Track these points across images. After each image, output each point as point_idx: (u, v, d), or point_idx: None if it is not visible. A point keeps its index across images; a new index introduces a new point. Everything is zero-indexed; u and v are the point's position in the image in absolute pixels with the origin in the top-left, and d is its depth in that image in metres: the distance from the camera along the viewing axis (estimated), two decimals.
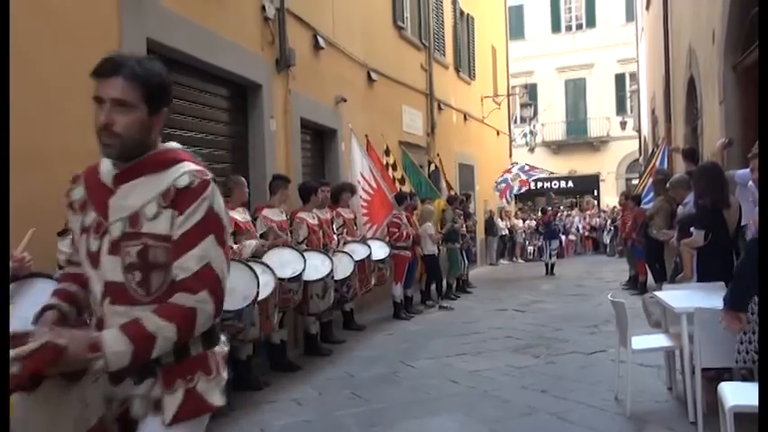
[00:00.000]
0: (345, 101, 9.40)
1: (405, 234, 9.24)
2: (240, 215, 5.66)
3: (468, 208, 13.56)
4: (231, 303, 4.51)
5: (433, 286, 10.63)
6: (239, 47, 6.83)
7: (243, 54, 6.90)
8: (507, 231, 20.20)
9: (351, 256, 7.18)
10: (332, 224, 7.57)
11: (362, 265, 7.41)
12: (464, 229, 11.81)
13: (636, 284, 11.57)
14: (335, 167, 9.39)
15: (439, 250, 10.42)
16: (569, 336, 7.71)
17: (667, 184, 6.98)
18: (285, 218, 6.56)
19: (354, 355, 7.03)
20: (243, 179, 5.88)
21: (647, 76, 18.52)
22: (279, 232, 6.16)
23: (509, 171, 17.37)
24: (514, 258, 20.74)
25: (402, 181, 10.65)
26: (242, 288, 4.69)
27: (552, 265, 15.47)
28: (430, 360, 6.69)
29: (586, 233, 23.95)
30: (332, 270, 6.43)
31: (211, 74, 6.52)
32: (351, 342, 7.63)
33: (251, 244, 5.52)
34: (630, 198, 12.01)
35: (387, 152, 10.54)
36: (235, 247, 5.20)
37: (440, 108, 14.44)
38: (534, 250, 21.01)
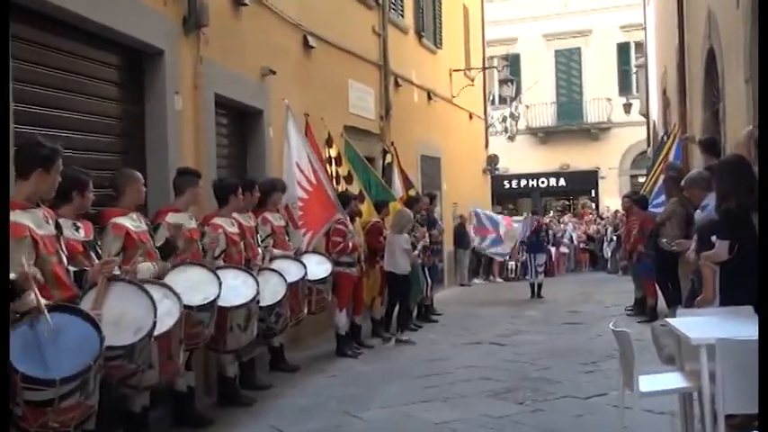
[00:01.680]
0: (274, 73, 9.34)
1: (351, 245, 9.22)
2: (132, 222, 5.51)
3: (433, 213, 13.64)
4: (118, 336, 4.37)
5: (395, 313, 10.65)
6: (134, 0, 6.71)
7: (138, 10, 6.79)
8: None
9: (281, 276, 7.13)
10: (256, 233, 7.50)
11: (296, 288, 7.37)
12: (427, 239, 11.87)
13: (644, 309, 11.80)
14: (261, 159, 9.34)
15: (411, 269, 10.50)
16: (561, 376, 7.80)
17: (682, 183, 7.11)
18: (195, 225, 6.46)
19: (285, 404, 6.97)
20: (137, 174, 5.76)
21: (656, 47, 18.99)
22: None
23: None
24: (492, 277, 20.99)
25: (349, 179, 10.65)
26: (134, 317, 4.57)
27: (539, 286, 15.70)
28: (384, 410, 6.67)
29: (582, 245, 24.39)
30: (257, 294, 6.36)
31: (96, 35, 6.39)
32: (280, 387, 7.57)
33: (148, 268, 5.36)
34: (636, 200, 12.25)
35: (328, 142, 10.52)
36: (123, 269, 5.03)
37: (397, 84, 14.50)
38: (517, 267, 21.29)
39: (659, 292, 11.24)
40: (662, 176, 11.40)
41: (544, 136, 30.53)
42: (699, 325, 4.73)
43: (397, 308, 10.57)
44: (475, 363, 8.68)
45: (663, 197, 11.20)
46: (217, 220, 6.84)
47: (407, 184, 13.14)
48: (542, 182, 30.48)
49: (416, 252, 10.94)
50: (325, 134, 10.50)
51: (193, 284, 5.70)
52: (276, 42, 9.69)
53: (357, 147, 11.60)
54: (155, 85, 7.19)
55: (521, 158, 29.11)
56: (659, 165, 12.28)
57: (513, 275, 21.25)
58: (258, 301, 6.44)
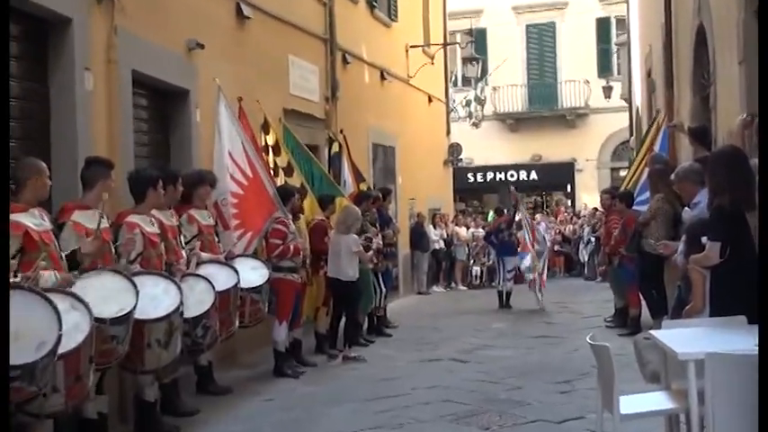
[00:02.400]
0: (203, 48, 9.27)
1: (292, 248, 9.18)
2: (33, 220, 5.40)
3: (387, 210, 13.65)
4: (17, 354, 4.28)
5: (342, 326, 10.64)
6: None
7: None
8: (443, 244, 20.54)
9: (209, 283, 7.07)
10: (180, 234, 7.43)
11: (226, 296, 7.32)
12: (379, 241, 11.86)
13: (625, 321, 11.97)
14: (186, 147, 9.28)
15: (360, 275, 10.49)
16: (532, 396, 7.84)
17: (672, 177, 7.21)
18: (107, 224, 6.37)
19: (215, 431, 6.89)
20: (41, 165, 5.65)
21: (640, 23, 19.25)
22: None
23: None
24: (453, 284, 21.09)
25: (289, 171, 10.60)
26: (35, 331, 4.48)
27: (508, 294, 15.81)
28: None
29: (556, 247, 24.59)
30: (180, 304, 6.31)
31: None
32: (208, 413, 7.50)
33: (49, 278, 5.20)
34: (618, 196, 12.40)
35: (265, 128, 10.45)
36: (22, 275, 4.93)
37: (345, 61, 14.50)
38: (482, 272, 21.43)
39: (643, 301, 11.39)
40: (646, 170, 11.54)
41: (513, 123, 30.80)
42: (687, 338, 4.79)
43: (344, 320, 10.57)
44: (434, 382, 8.70)
45: (647, 193, 11.32)
46: (133, 218, 6.74)
47: (357, 177, 13.15)
48: (511, 175, 30.66)
49: (370, 254, 10.96)
50: (261, 119, 10.43)
51: (106, 294, 5.62)
52: (205, 11, 9.61)
53: (298, 134, 11.57)
54: (61, 59, 7.09)
55: (487, 148, 29.31)
56: (643, 156, 12.45)
57: (477, 282, 21.39)
58: (182, 313, 6.38)
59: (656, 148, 12.03)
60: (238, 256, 8.46)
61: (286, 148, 10.80)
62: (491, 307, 15.72)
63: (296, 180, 10.56)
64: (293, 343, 9.68)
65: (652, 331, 5.29)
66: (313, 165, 11.49)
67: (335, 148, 12.99)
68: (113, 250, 6.33)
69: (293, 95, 12.32)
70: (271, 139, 10.54)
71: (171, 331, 6.26)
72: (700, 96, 10.09)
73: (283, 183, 10.20)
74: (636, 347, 5.61)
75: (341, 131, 13.35)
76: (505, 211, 17.27)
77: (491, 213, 22.08)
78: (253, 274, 8.12)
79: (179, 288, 6.43)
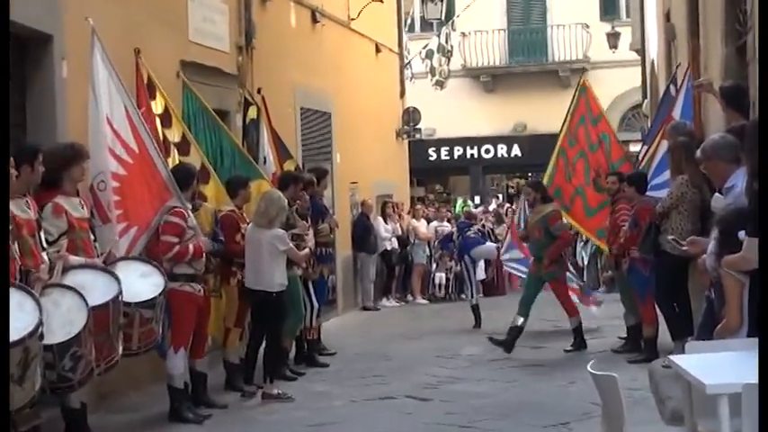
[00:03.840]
0: None
1: (192, 249, 9.10)
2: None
3: (321, 197, 13.58)
4: None
5: (262, 353, 10.60)
6: None
7: None
8: (396, 244, 20.53)
9: (80, 296, 6.98)
10: (38, 230, 7.33)
11: (104, 314, 7.21)
12: (311, 239, 11.80)
13: (638, 343, 12.06)
14: (49, 112, 9.24)
15: (289, 282, 10.44)
16: None
17: (698, 154, 7.26)
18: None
19: None
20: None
21: None
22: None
23: None
24: (410, 296, 21.08)
25: (184, 147, 10.47)
26: None
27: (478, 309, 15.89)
28: None
29: None
30: (39, 324, 6.24)
31: None
32: None
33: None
34: (627, 179, 12.47)
35: (150, 88, 10.34)
36: None
37: None
38: (449, 280, 21.42)
39: (661, 317, 11.47)
40: (664, 143, 11.60)
41: (489, 81, 30.95)
42: (718, 365, 4.84)
43: (264, 345, 10.53)
44: (385, 427, 8.69)
45: (666, 174, 11.39)
46: None
47: (281, 153, 13.12)
48: (487, 150, 30.87)
49: (305, 252, 10.92)
50: (145, 75, 10.28)
51: None
52: None
53: (202, 95, 11.48)
54: None
55: (454, 115, 29.42)
56: (661, 126, 12.52)
57: (442, 294, 21.40)
58: (42, 336, 6.32)
59: (677, 114, 12.09)
60: (122, 259, 8.35)
61: (179, 118, 10.66)
62: (461, 326, 15.77)
63: (194, 159, 10.42)
64: (195, 377, 9.61)
65: (672, 357, 5.32)
66: (223, 136, 11.41)
67: (252, 113, 12.89)
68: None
69: (194, 43, 12.27)
70: (158, 106, 10.40)
71: (27, 362, 6.16)
72: (734, 46, 10.16)
73: (178, 162, 10.09)
74: (652, 378, 5.66)
75: (258, 92, 13.29)
76: (479, 206, 17.32)
77: (459, 202, 22.14)
78: (142, 283, 8.02)
79: (38, 303, 6.34)
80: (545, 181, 13.81)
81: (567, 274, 14.95)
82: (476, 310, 15.92)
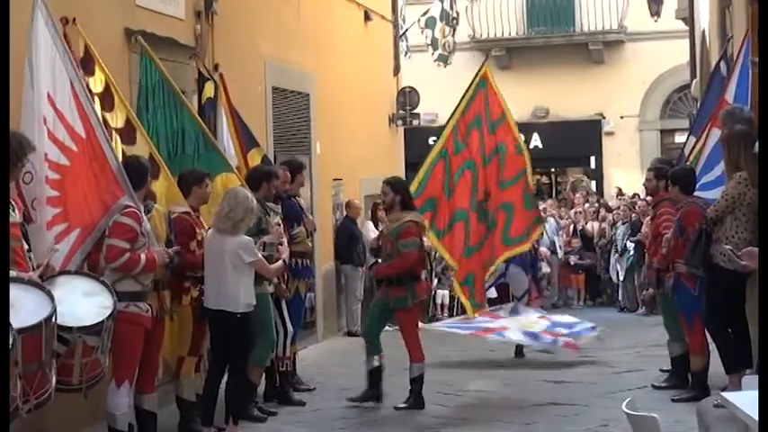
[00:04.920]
0: None
1: (144, 259, 9.13)
2: None
3: (298, 196, 13.59)
4: None
5: (224, 388, 10.62)
6: None
7: None
8: None
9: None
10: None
11: (36, 338, 7.19)
12: (285, 248, 11.81)
13: (685, 376, 12.14)
14: None
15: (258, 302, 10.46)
16: None
17: (755, 146, 7.33)
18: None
19: None
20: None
21: None
22: None
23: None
24: None
25: (127, 133, 10.45)
26: None
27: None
28: None
29: (572, 258, 24.77)
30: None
31: None
32: None
33: None
34: (671, 177, 12.50)
35: (87, 61, 10.38)
36: None
37: None
38: (455, 299, 21.40)
39: (712, 345, 11.50)
40: (716, 132, 11.64)
41: (504, 56, 30.98)
42: None
43: (226, 378, 10.57)
44: None
45: (719, 171, 11.43)
46: None
47: (245, 141, 13.13)
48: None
49: (278, 265, 10.97)
50: (81, 46, 10.34)
51: None
52: None
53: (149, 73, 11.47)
54: None
55: (460, 98, 29.39)
56: (713, 113, 12.57)
57: (445, 314, 21.40)
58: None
59: (731, 98, 12.14)
60: (62, 273, 8.36)
61: (122, 98, 10.56)
62: (472, 354, 15.83)
63: (141, 149, 10.35)
64: (142, 417, 9.63)
65: (726, 394, 5.39)
66: (185, 117, 11.42)
67: (209, 91, 12.92)
68: None
69: (142, 9, 12.34)
70: (97, 84, 10.41)
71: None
72: None
73: (125, 156, 10.04)
74: (702, 420, 5.75)
75: (215, 68, 13.35)
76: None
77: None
78: (86, 304, 8.08)
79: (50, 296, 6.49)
80: (413, 187, 13.33)
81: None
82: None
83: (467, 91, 14.66)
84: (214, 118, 12.74)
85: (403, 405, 12.11)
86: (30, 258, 8.02)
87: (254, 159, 12.88)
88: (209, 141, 11.55)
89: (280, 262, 11.01)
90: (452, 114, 14.46)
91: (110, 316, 8.19)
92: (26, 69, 8.95)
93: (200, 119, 11.82)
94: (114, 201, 8.98)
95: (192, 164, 11.11)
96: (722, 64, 13.28)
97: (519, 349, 15.86)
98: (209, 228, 10.44)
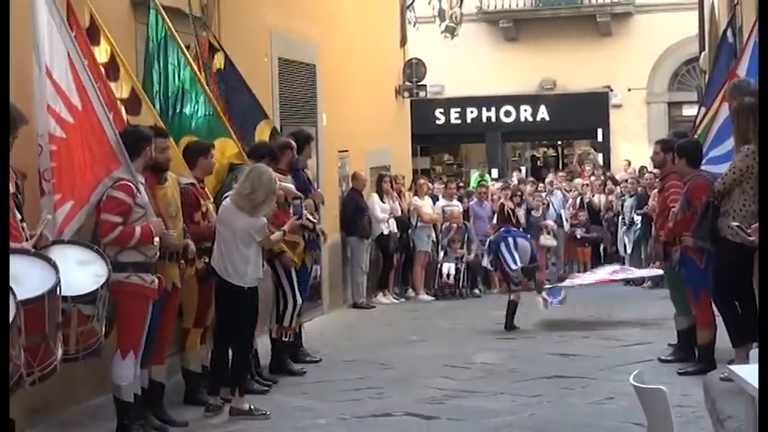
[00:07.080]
0: None
1: (138, 232, 9.07)
2: None
3: (304, 168, 13.55)
4: None
5: (230, 360, 10.59)
6: None
7: None
8: (395, 226, 20.55)
9: (11, 290, 6.97)
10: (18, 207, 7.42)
11: (39, 309, 7.15)
12: (292, 217, 11.75)
13: (691, 349, 12.11)
14: None
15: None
16: None
17: None
18: None
19: None
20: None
21: None
22: None
23: None
24: (412, 291, 21.16)
25: (132, 104, 10.43)
26: None
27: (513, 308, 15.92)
28: None
29: (579, 231, 24.75)
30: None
31: None
32: None
33: None
34: (678, 150, 12.46)
35: (92, 31, 10.32)
36: None
37: None
38: (460, 271, 21.38)
39: (719, 319, 11.48)
40: (725, 105, 11.59)
41: (511, 28, 30.92)
42: None
43: (232, 350, 10.55)
44: None
45: (728, 145, 11.38)
46: None
47: (252, 113, 13.00)
48: (507, 113, 30.84)
49: (278, 235, 10.81)
50: (86, 17, 10.27)
51: None
52: None
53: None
54: None
55: (468, 70, 29.38)
56: (722, 87, 12.52)
57: (451, 288, 21.43)
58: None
59: (742, 71, 12.08)
60: (56, 242, 8.31)
61: (128, 68, 10.53)
62: (478, 326, 15.79)
63: (145, 119, 10.32)
64: (149, 388, 9.62)
65: (733, 367, 5.35)
66: (188, 76, 11.34)
67: (219, 62, 12.85)
68: None
69: None
70: (102, 54, 10.36)
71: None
72: None
73: (128, 123, 10.00)
74: (708, 393, 5.71)
75: (213, 40, 13.14)
76: (497, 180, 17.33)
77: (475, 176, 22.07)
78: (81, 272, 8.01)
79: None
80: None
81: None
82: (512, 306, 15.91)
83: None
84: (225, 89, 12.65)
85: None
86: (23, 228, 7.97)
87: (263, 132, 12.77)
88: (210, 104, 11.45)
89: (279, 232, 10.90)
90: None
91: (104, 284, 8.12)
92: (33, 50, 8.92)
93: (201, 79, 11.65)
94: (109, 172, 8.92)
95: (189, 125, 11.07)
96: (729, 32, 13.19)
97: (509, 322, 15.90)
98: (226, 196, 10.39)
